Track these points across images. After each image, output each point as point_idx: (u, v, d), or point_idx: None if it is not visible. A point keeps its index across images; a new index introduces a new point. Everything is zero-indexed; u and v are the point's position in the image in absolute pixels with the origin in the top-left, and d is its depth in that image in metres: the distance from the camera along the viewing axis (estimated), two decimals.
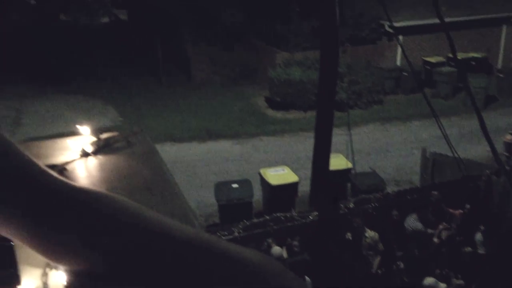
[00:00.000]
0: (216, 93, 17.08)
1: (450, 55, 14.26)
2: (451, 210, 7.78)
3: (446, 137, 7.38)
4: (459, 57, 10.92)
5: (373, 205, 7.97)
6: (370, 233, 7.32)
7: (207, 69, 18.35)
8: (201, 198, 10.29)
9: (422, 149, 10.61)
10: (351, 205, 7.98)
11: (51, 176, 0.54)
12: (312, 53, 16.08)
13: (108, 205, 0.55)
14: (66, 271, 0.57)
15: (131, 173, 0.85)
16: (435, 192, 7.96)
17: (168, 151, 10.84)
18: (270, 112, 15.83)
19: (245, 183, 9.32)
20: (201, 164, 12.15)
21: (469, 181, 8.57)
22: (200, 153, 12.82)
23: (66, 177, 0.64)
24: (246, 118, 15.25)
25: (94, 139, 1.03)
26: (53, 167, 0.84)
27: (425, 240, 7.34)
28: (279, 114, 15.62)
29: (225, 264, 0.52)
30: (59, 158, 0.94)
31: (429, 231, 7.44)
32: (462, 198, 8.03)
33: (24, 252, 0.83)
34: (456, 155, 7.69)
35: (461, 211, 7.76)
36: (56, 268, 0.81)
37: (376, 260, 7.28)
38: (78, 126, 1.11)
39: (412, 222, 7.60)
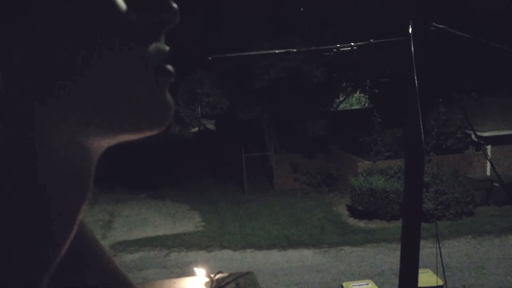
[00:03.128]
0: (297, 201, 17.16)
1: None
2: None
3: None
4: None
5: None
6: None
7: (289, 177, 18.67)
8: None
9: None
10: None
11: None
12: (395, 162, 15.93)
13: None
14: None
15: None
16: None
17: (248, 258, 10.82)
18: (352, 221, 15.49)
19: None
20: (281, 274, 11.91)
21: None
22: (280, 262, 12.62)
23: None
24: (327, 226, 15.01)
25: (207, 280, 1.12)
26: None
27: None
28: (361, 223, 15.23)
29: None
30: None
31: None
32: None
33: None
34: None
35: None
36: None
37: None
38: (195, 269, 1.21)
39: None
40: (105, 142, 0.35)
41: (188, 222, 15.59)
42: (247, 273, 1.31)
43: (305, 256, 13.09)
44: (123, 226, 15.48)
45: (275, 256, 13.03)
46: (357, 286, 9.12)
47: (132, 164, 20.76)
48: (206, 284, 1.21)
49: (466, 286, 10.08)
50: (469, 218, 15.07)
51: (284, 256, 13.09)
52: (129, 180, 18.98)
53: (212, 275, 1.22)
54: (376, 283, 9.42)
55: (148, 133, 0.35)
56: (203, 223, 15.65)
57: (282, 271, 12.07)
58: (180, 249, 13.06)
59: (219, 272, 1.46)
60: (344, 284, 9.33)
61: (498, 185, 15.33)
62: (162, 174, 19.55)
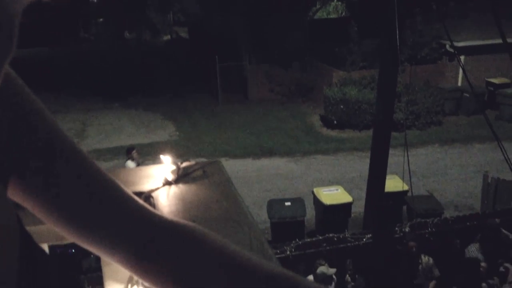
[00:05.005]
0: (271, 111, 17.26)
1: None
2: None
3: (508, 161, 7.08)
4: None
5: (430, 230, 7.75)
6: (424, 259, 7.11)
7: (264, 87, 18.59)
8: (253, 215, 10.39)
9: (483, 173, 10.21)
10: (407, 229, 7.79)
11: (149, 211, 0.61)
12: (369, 72, 15.94)
13: (196, 237, 0.61)
14: None
15: (209, 203, 0.91)
16: (497, 220, 7.63)
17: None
18: (325, 131, 15.77)
19: (298, 202, 9.32)
20: (255, 181, 12.27)
21: None
22: (254, 170, 12.95)
23: (152, 204, 0.73)
24: (300, 136, 15.28)
25: (174, 167, 1.11)
26: (140, 194, 0.93)
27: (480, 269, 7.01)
28: (333, 133, 15.53)
29: None
30: (145, 186, 1.02)
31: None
32: None
33: (109, 268, 0.92)
34: None
35: None
36: (137, 284, 0.90)
37: (431, 284, 7.05)
38: (161, 156, 1.20)
39: (473, 252, 7.30)
40: None
41: (162, 132, 15.62)
42: (215, 161, 1.32)
43: (278, 164, 13.43)
44: (96, 135, 15.43)
45: (249, 165, 13.32)
46: (327, 192, 9.48)
47: (104, 73, 20.25)
48: (173, 171, 1.21)
49: (430, 191, 10.61)
50: (437, 127, 15.52)
51: (258, 164, 13.40)
52: (101, 89, 18.62)
53: (178, 163, 1.22)
54: (345, 188, 9.80)
55: None
56: (177, 133, 15.71)
57: (256, 178, 12.42)
58: (154, 157, 13.18)
59: (186, 160, 1.47)
60: (315, 190, 9.68)
61: (467, 95, 15.66)
62: (135, 83, 19.21)
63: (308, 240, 7.60)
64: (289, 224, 8.89)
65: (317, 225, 9.53)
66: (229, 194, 1.09)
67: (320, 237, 7.56)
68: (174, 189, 1.15)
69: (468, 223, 7.92)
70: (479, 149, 13.90)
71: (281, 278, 0.55)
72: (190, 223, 0.62)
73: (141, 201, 0.61)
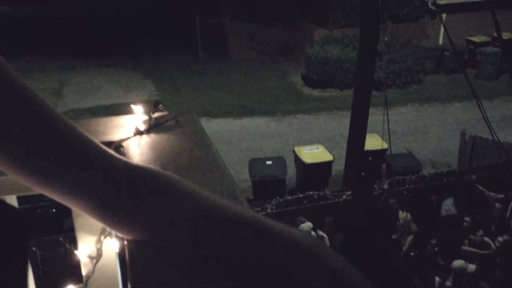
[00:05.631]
0: (253, 70, 17.08)
1: (495, 35, 13.72)
2: (492, 193, 7.61)
3: (486, 119, 7.19)
4: (504, 37, 10.52)
5: (408, 187, 7.90)
6: (402, 215, 7.29)
7: (245, 46, 18.31)
8: (235, 174, 10.44)
9: (461, 131, 10.37)
10: (386, 186, 7.93)
11: (114, 157, 0.58)
12: (351, 31, 15.80)
13: (166, 183, 0.59)
14: (119, 238, 0.63)
15: (181, 152, 0.89)
16: (473, 176, 7.81)
17: (204, 126, 10.98)
18: (306, 90, 15.73)
19: (279, 160, 9.38)
20: (236, 140, 12.27)
21: (510, 166, 8.36)
22: (235, 129, 12.93)
23: (123, 154, 0.70)
24: (282, 95, 15.22)
25: (146, 117, 1.07)
26: (109, 144, 0.90)
27: (458, 223, 7.23)
28: (315, 92, 15.51)
29: (278, 245, 0.53)
30: (115, 136, 0.99)
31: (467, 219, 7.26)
32: (502, 183, 7.85)
33: (81, 220, 0.91)
34: (496, 138, 7.50)
35: (503, 195, 7.59)
36: (110, 236, 0.88)
37: (409, 239, 7.26)
38: (132, 106, 1.16)
39: (448, 206, 7.50)
40: None
41: (142, 91, 15.39)
42: (188, 111, 1.29)
43: (259, 123, 13.42)
44: (74, 94, 15.12)
45: (230, 124, 13.28)
46: (308, 150, 9.54)
47: (82, 31, 19.67)
48: (144, 121, 1.18)
49: (409, 149, 10.76)
50: (418, 86, 15.61)
51: (239, 124, 13.37)
52: (79, 48, 18.11)
53: (150, 113, 1.19)
54: (326, 147, 9.88)
55: None
56: (157, 92, 15.50)
57: (237, 137, 12.42)
58: None
59: (158, 109, 1.44)
60: (295, 148, 9.73)
61: (448, 54, 15.69)
62: (113, 41, 18.73)
63: (289, 198, 7.69)
64: (270, 182, 8.97)
65: (297, 184, 9.64)
66: (202, 143, 1.07)
67: (301, 195, 7.65)
68: (145, 138, 1.12)
69: (445, 180, 8.09)
70: (458, 108, 14.07)
71: (251, 220, 0.55)
72: (159, 169, 0.60)
73: (106, 148, 0.58)
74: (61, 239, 5.58)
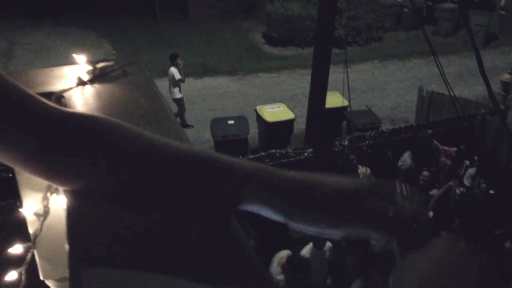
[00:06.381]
0: (213, 29, 16.72)
1: None
2: (445, 148, 7.89)
3: (443, 75, 7.34)
4: None
5: (367, 142, 8.06)
6: (362, 169, 7.47)
7: (205, 4, 17.83)
8: (197, 134, 10.37)
9: (418, 87, 10.58)
10: (346, 143, 8.06)
11: (53, 107, 0.56)
12: None
13: (107, 127, 0.55)
14: (66, 192, 0.59)
15: (127, 102, 0.85)
16: (429, 130, 8.04)
17: (164, 87, 10.75)
18: (267, 48, 15.59)
19: (241, 120, 9.35)
20: (197, 100, 12.13)
21: (464, 120, 8.63)
22: (196, 89, 12.75)
23: (64, 104, 0.65)
24: (243, 54, 15.04)
25: (90, 68, 1.02)
26: (50, 94, 0.84)
27: (415, 176, 7.49)
28: (276, 50, 15.39)
29: (229, 177, 0.54)
30: (56, 86, 0.93)
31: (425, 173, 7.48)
32: (457, 137, 8.12)
33: (25, 178, 0.86)
34: (452, 94, 7.68)
35: (455, 149, 7.88)
36: (56, 192, 0.84)
37: None
38: (74, 55, 1.09)
39: (404, 157, 7.76)
40: None
41: (97, 51, 14.83)
42: (135, 61, 1.22)
43: (220, 83, 13.28)
44: (25, 55, 14.44)
45: (191, 84, 13.06)
46: (270, 109, 9.55)
47: None
48: (88, 71, 1.12)
49: (368, 106, 10.93)
50: (378, 43, 15.72)
51: (200, 83, 13.19)
52: (28, 6, 17.15)
53: (95, 63, 1.13)
54: (288, 106, 9.91)
55: None
56: (114, 52, 15.01)
57: (199, 97, 12.28)
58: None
59: (103, 59, 1.38)
60: (257, 107, 9.72)
61: (407, 10, 15.79)
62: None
63: (251, 156, 7.71)
64: (233, 142, 8.96)
65: (260, 142, 9.69)
66: (149, 93, 1.02)
67: (263, 153, 7.69)
68: (89, 89, 1.06)
69: (402, 135, 8.29)
70: (417, 64, 14.31)
71: (201, 155, 0.55)
72: (99, 115, 0.57)
73: (45, 100, 0.54)
74: (18, 203, 5.43)
